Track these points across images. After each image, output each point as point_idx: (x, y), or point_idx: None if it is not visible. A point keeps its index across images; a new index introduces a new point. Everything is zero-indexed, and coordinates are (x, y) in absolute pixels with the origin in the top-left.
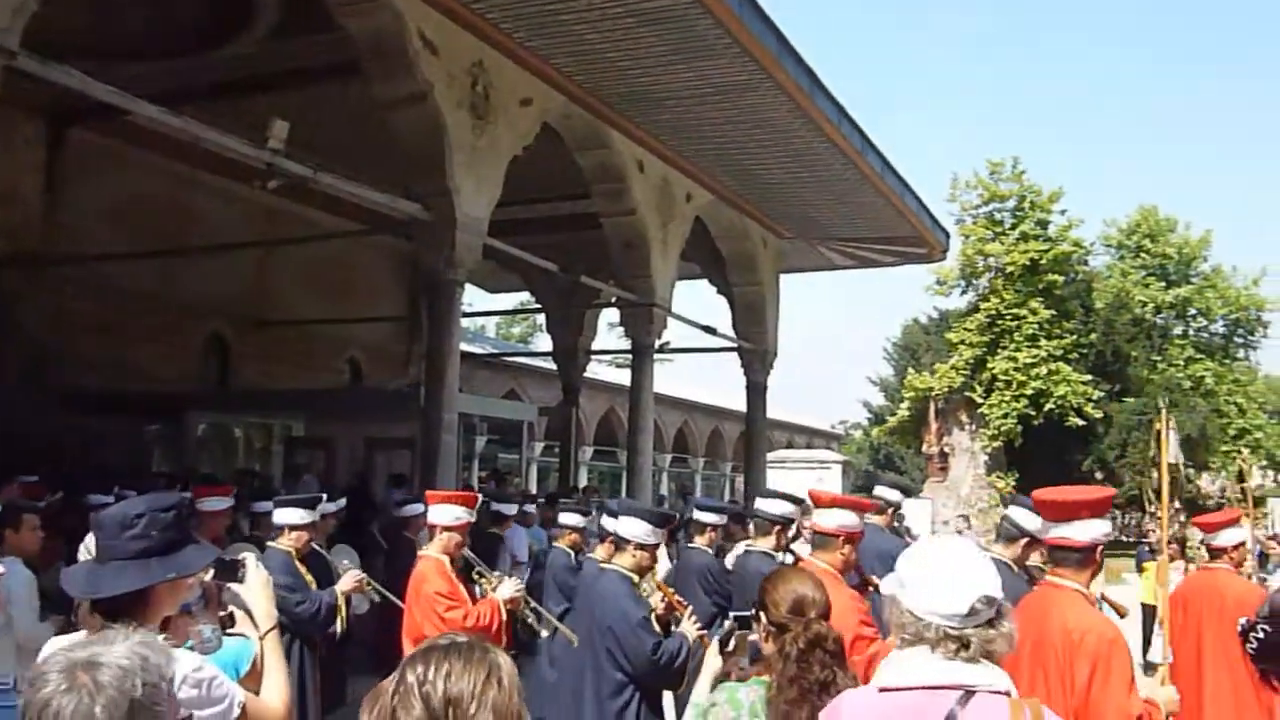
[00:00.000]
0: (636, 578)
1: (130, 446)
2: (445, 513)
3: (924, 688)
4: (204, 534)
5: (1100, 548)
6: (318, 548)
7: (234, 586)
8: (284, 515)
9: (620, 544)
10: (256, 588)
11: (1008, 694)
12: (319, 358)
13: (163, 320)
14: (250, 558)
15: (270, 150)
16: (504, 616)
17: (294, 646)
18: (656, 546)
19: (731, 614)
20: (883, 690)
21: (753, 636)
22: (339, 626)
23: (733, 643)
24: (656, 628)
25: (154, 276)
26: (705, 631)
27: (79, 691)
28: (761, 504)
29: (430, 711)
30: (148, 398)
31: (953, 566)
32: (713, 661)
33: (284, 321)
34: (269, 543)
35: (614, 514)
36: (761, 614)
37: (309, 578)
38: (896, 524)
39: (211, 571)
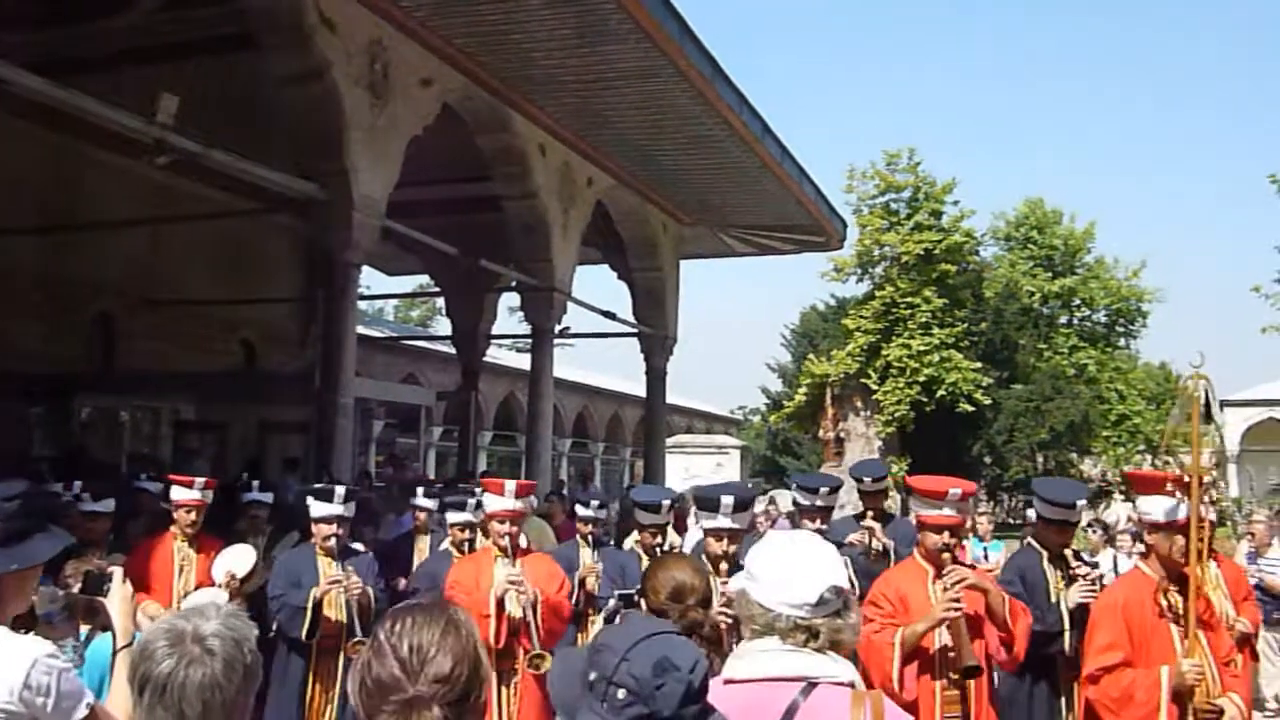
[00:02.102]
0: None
1: (10, 430)
2: (488, 502)
3: (767, 680)
4: (177, 526)
5: (1147, 527)
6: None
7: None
8: (312, 508)
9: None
10: (116, 603)
11: (851, 685)
12: (211, 339)
13: (46, 299)
14: (117, 571)
15: (159, 125)
16: (497, 608)
17: (283, 648)
18: (654, 526)
19: (617, 592)
20: (728, 682)
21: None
22: (304, 630)
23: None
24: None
25: (37, 253)
26: None
27: (201, 662)
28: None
29: (399, 658)
30: (29, 379)
31: (801, 558)
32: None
33: (175, 301)
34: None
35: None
36: (642, 601)
37: (329, 573)
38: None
39: (80, 584)
